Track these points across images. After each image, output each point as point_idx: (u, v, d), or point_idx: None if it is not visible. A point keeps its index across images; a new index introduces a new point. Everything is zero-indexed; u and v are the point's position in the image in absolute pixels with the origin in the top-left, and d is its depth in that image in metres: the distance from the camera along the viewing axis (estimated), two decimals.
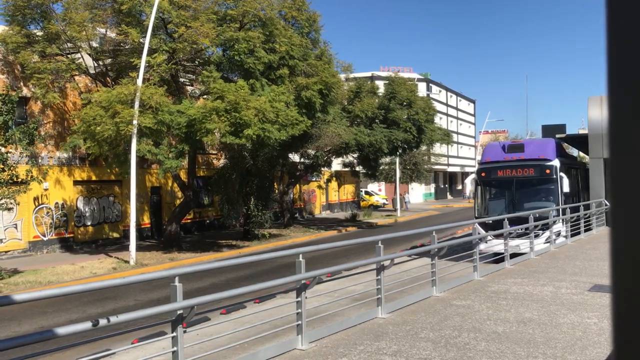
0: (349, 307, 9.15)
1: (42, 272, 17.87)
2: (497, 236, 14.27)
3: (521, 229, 14.31)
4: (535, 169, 17.86)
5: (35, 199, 22.99)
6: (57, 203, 23.98)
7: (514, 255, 13.79)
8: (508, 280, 10.99)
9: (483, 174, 18.53)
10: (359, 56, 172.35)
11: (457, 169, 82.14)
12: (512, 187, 17.99)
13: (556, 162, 17.73)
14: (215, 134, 19.80)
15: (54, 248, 23.67)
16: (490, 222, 15.71)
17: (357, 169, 39.40)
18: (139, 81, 19.38)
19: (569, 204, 17.83)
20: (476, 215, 18.38)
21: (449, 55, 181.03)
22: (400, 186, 47.94)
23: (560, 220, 16.99)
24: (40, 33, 21.97)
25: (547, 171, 17.63)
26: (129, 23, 20.89)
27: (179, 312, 5.45)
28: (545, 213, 16.26)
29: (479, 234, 12.95)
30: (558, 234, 17.01)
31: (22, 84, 22.36)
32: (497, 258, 13.77)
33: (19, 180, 16.68)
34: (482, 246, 13.85)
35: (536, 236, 15.45)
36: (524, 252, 14.58)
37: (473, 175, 19.06)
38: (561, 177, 17.31)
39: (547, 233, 16.33)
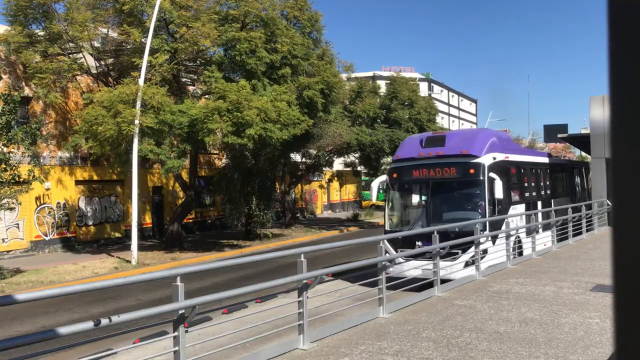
0: (350, 307, 9.15)
1: (44, 272, 17.89)
2: (410, 257, 11.56)
3: (440, 249, 10.61)
4: (456, 168, 13.88)
5: (37, 198, 23.02)
6: (58, 203, 24.01)
7: (443, 281, 10.48)
8: (510, 280, 10.98)
9: (394, 175, 14.73)
10: (360, 56, 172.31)
11: None
12: (428, 192, 14.12)
13: (484, 160, 13.71)
14: (217, 133, 19.81)
15: (55, 248, 23.70)
16: (400, 238, 12.65)
17: (359, 168, 39.39)
18: (141, 81, 19.39)
19: (504, 215, 13.88)
20: (386, 228, 14.58)
21: (451, 55, 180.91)
22: None
23: (491, 237, 13.14)
24: (42, 33, 21.99)
25: (471, 171, 13.61)
26: (131, 23, 20.91)
27: (180, 311, 5.45)
28: (468, 226, 12.67)
29: (386, 253, 9.46)
30: (483, 254, 12.36)
31: (24, 83, 22.38)
32: (420, 284, 10.28)
33: (21, 180, 16.70)
34: (392, 269, 11.19)
35: (454, 258, 12.31)
36: (435, 278, 10.29)
37: (382, 177, 15.47)
38: (491, 179, 13.31)
39: (464, 256, 12.56)
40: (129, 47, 22.34)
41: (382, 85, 41.87)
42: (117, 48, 22.96)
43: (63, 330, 4.69)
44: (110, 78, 23.59)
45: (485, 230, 12.83)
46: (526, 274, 11.76)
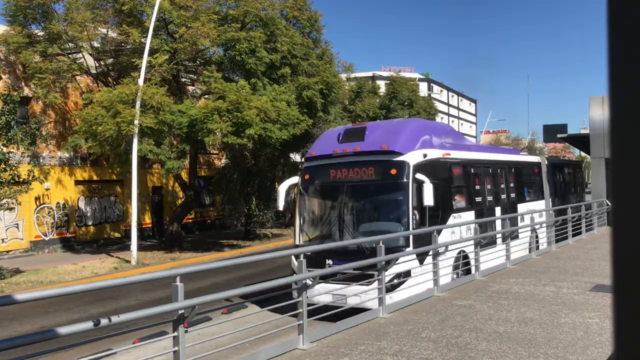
0: (351, 307, 9.15)
1: (44, 272, 17.89)
2: (325, 277, 9.23)
3: (353, 270, 8.99)
4: (374, 168, 11.20)
5: (37, 198, 23.01)
6: (58, 203, 24.00)
7: (358, 310, 8.66)
8: (509, 280, 10.98)
9: (306, 177, 12.07)
10: (360, 56, 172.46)
11: None
12: (343, 198, 11.39)
13: (410, 157, 10.92)
14: (217, 133, 19.81)
15: (55, 248, 23.69)
16: (308, 255, 9.40)
17: None
18: (141, 81, 19.39)
19: (437, 225, 10.87)
20: (296, 242, 11.88)
21: (451, 55, 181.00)
22: None
23: (417, 255, 10.30)
24: (41, 33, 21.99)
25: (393, 171, 10.87)
26: (130, 23, 20.91)
27: (180, 311, 5.45)
28: (389, 241, 9.74)
29: (294, 273, 7.89)
30: (403, 277, 10.19)
31: (23, 84, 22.38)
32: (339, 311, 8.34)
33: (21, 180, 16.70)
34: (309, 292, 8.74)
35: (370, 282, 9.43)
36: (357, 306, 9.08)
37: (293, 179, 12.69)
38: (418, 182, 10.66)
39: (376, 282, 9.05)
40: (128, 47, 22.35)
41: (382, 85, 41.89)
42: (117, 48, 22.96)
43: (63, 330, 4.69)
44: (109, 78, 23.59)
45: (409, 245, 10.27)
46: (525, 273, 11.76)
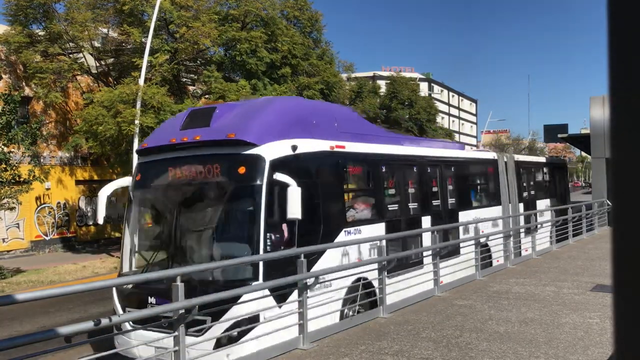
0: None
1: (44, 272, 17.90)
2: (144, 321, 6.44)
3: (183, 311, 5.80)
4: (217, 164, 7.97)
5: (37, 198, 23.03)
6: (59, 203, 24.02)
7: None
8: (510, 280, 10.98)
9: (137, 177, 8.78)
10: (360, 56, 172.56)
11: None
12: (176, 207, 8.22)
13: (268, 150, 7.77)
14: None
15: (56, 247, 23.70)
16: (121, 290, 8.13)
17: None
18: (141, 81, 19.40)
19: (312, 246, 7.85)
20: (121, 269, 8.76)
21: (451, 55, 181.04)
22: None
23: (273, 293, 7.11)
24: (42, 33, 22.01)
25: (241, 170, 7.72)
26: (131, 23, 20.92)
27: (180, 311, 5.46)
28: (232, 271, 7.51)
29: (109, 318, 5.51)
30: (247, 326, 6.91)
31: (24, 83, 22.39)
32: None
33: (21, 179, 16.71)
34: (118, 341, 7.49)
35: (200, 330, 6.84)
36: None
37: (120, 182, 9.24)
38: (279, 186, 7.54)
39: (214, 328, 6.89)
40: (129, 47, 22.36)
41: (382, 85, 41.87)
42: (117, 48, 22.97)
43: (63, 330, 4.69)
44: (110, 78, 23.61)
45: (257, 277, 7.09)
46: (526, 273, 11.76)
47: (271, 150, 7.82)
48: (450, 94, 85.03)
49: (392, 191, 10.85)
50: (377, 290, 8.63)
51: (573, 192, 79.63)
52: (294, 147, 8.13)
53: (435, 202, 12.06)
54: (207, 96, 23.06)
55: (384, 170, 10.50)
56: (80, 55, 22.40)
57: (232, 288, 6.45)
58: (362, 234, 9.22)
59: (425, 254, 10.72)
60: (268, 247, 7.44)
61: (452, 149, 14.39)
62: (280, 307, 7.14)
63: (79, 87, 23.93)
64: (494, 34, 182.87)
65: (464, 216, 12.66)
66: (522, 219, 15.63)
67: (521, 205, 16.14)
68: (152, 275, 6.26)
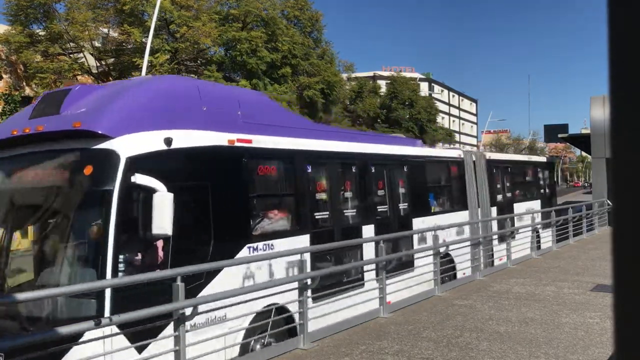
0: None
1: None
2: None
3: None
4: (61, 161, 6.21)
5: None
6: None
7: None
8: (510, 280, 10.98)
9: None
10: (361, 56, 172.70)
11: None
12: (8, 219, 6.83)
13: (127, 144, 5.99)
14: None
15: None
16: None
17: None
18: None
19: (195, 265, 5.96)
20: None
21: (452, 55, 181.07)
22: None
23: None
24: (42, 33, 22.03)
25: (87, 170, 5.89)
26: (132, 23, 20.95)
27: (181, 311, 5.46)
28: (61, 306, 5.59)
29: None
30: None
31: (24, 83, 22.40)
32: None
33: None
34: None
35: None
36: None
37: None
38: (141, 191, 5.90)
39: None
40: (129, 47, 22.38)
41: (383, 85, 41.86)
42: (118, 48, 23.00)
43: (63, 330, 4.69)
44: (110, 78, 23.62)
45: (102, 311, 5.38)
46: (526, 273, 11.76)
47: (130, 144, 5.97)
48: (451, 93, 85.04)
49: (321, 196, 8.86)
50: (296, 316, 7.01)
51: (573, 192, 79.62)
52: (168, 141, 6.28)
53: (382, 208, 10.32)
54: None
55: (309, 170, 8.59)
56: (81, 55, 22.42)
57: (67, 323, 4.92)
58: (277, 249, 7.41)
59: (366, 268, 8.99)
60: (122, 272, 5.68)
61: (406, 145, 12.26)
62: (143, 346, 5.51)
63: None
64: (494, 33, 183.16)
65: (420, 224, 10.95)
66: (494, 224, 14.00)
67: (494, 210, 14.44)
68: (152, 275, 5.71)
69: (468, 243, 11.98)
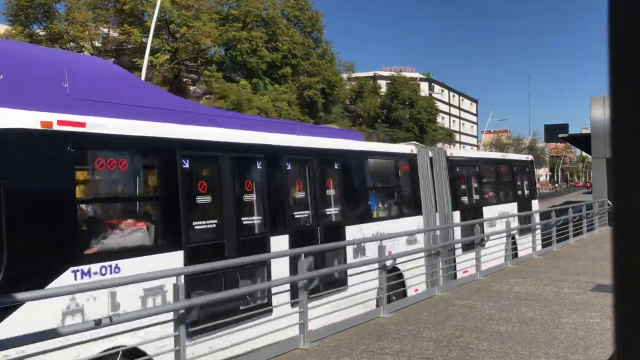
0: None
1: None
2: None
3: None
4: None
5: None
6: None
7: None
8: (510, 280, 10.98)
9: None
10: (361, 56, 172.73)
11: None
12: None
13: None
14: None
15: None
16: None
17: None
18: None
19: None
20: None
21: (452, 55, 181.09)
22: None
23: None
24: (43, 33, 22.06)
25: None
26: (132, 23, 20.97)
27: (181, 311, 5.45)
28: None
29: None
30: None
31: None
32: None
33: None
34: None
35: None
36: None
37: None
38: None
39: None
40: (129, 46, 22.40)
41: (383, 85, 41.87)
42: (118, 48, 23.02)
43: (63, 329, 4.69)
44: None
45: None
46: (526, 273, 11.76)
47: None
48: (451, 93, 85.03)
49: (202, 200, 6.93)
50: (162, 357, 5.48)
51: (573, 192, 79.55)
52: None
53: (300, 215, 8.45)
54: (207, 96, 23.09)
55: (184, 166, 6.60)
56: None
57: None
58: (123, 272, 5.65)
59: (275, 290, 7.18)
60: None
61: (339, 137, 10.15)
62: None
63: None
64: (494, 33, 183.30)
65: (355, 233, 9.18)
66: (457, 231, 12.47)
67: (457, 214, 12.73)
68: (151, 275, 5.43)
69: (421, 254, 10.08)
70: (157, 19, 19.90)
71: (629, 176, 0.69)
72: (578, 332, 7.11)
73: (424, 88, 62.65)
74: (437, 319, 7.95)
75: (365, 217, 9.81)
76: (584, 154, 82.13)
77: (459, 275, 11.55)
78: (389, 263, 8.62)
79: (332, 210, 9.09)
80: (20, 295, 4.22)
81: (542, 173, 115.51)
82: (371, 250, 8.91)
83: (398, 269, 9.48)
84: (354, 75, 35.54)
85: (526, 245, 14.07)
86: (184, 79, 25.07)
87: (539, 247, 14.62)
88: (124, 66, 22.61)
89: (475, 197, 14.02)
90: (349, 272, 8.43)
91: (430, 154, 12.15)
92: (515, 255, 13.51)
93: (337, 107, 29.85)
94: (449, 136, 41.73)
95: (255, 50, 21.15)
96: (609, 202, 21.72)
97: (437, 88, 77.24)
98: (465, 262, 11.41)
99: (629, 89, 0.68)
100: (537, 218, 16.42)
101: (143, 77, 19.50)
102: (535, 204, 17.49)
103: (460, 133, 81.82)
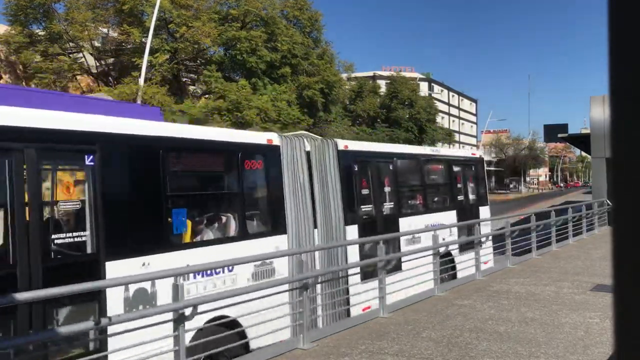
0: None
1: None
2: None
3: None
4: None
5: None
6: None
7: None
8: (510, 280, 10.98)
9: None
10: (360, 56, 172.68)
11: None
12: None
13: None
14: None
15: None
16: None
17: None
18: (141, 81, 19.41)
19: None
20: None
21: (451, 55, 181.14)
22: None
23: None
24: (42, 33, 22.04)
25: None
26: (131, 23, 20.96)
27: (181, 311, 5.45)
28: None
29: None
30: None
31: (24, 83, 22.40)
32: None
33: None
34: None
35: None
36: None
37: None
38: None
39: None
40: (129, 46, 22.40)
41: (382, 85, 41.87)
42: (118, 48, 23.01)
43: (63, 330, 4.69)
44: (110, 78, 23.62)
45: None
46: (526, 273, 11.76)
47: None
48: (450, 93, 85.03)
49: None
50: None
51: (573, 192, 79.47)
52: None
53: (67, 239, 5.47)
54: (207, 96, 23.08)
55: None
56: (80, 55, 22.43)
57: None
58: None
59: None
60: None
61: (118, 113, 6.16)
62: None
63: (79, 87, 23.93)
64: (494, 33, 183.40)
65: (130, 268, 5.71)
66: (351, 251, 9.11)
67: (353, 229, 9.31)
68: (151, 275, 5.39)
69: (279, 289, 6.80)
70: (157, 18, 19.89)
71: (629, 176, 0.69)
72: (578, 332, 7.11)
73: (424, 88, 62.63)
74: (436, 319, 7.95)
75: (166, 243, 6.36)
76: (584, 154, 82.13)
77: (356, 311, 8.67)
78: (212, 315, 6.09)
79: (81, 236, 5.58)
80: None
81: (542, 173, 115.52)
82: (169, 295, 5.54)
83: (228, 317, 6.35)
84: (353, 75, 35.51)
85: (470, 262, 11.34)
86: (184, 79, 25.05)
87: (490, 264, 12.32)
88: (123, 66, 22.66)
89: (388, 205, 10.48)
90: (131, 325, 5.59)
91: (307, 147, 8.69)
92: (454, 276, 11.38)
93: (337, 107, 29.84)
94: (448, 136, 41.75)
95: (255, 50, 21.14)
96: (608, 202, 21.72)
97: (436, 88, 77.25)
98: (367, 293, 8.48)
99: (629, 89, 0.68)
100: (485, 229, 13.05)
101: (142, 77, 19.49)
102: (484, 212, 14.06)
103: (459, 133, 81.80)
